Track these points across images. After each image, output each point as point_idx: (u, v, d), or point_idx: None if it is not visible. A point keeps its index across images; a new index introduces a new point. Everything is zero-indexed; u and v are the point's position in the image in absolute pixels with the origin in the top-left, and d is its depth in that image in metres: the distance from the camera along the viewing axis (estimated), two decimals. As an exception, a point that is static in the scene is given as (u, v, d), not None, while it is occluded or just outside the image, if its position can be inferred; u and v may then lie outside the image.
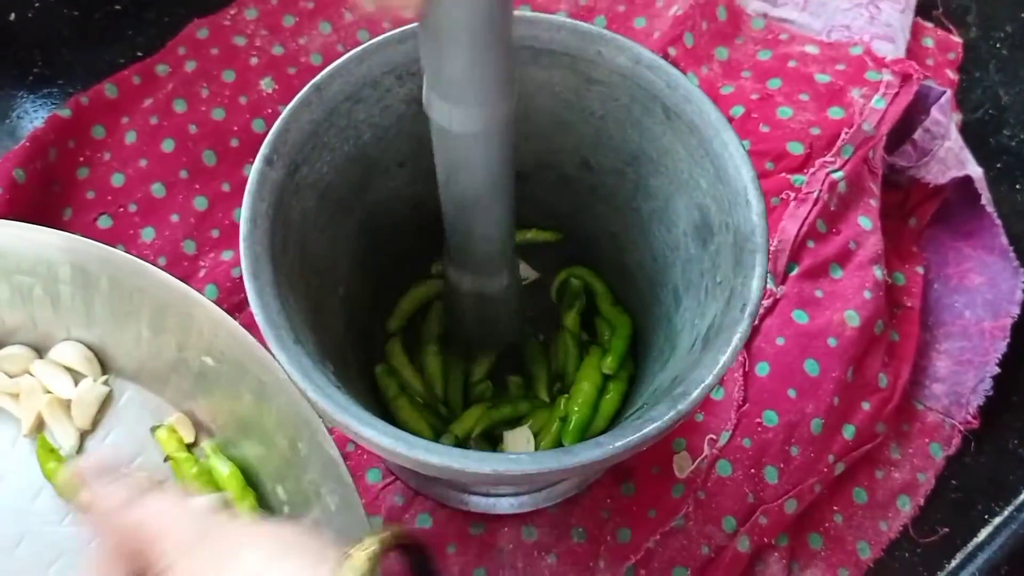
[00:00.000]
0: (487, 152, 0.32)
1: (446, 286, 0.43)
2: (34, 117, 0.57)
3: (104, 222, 0.54)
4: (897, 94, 0.56)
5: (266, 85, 0.58)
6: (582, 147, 0.42)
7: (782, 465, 0.49)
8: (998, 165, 0.59)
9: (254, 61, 0.58)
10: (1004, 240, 0.55)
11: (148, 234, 0.54)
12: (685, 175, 0.38)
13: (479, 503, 0.48)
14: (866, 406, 0.51)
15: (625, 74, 0.38)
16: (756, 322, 0.40)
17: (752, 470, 0.49)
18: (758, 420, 0.50)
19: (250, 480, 0.44)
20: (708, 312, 0.36)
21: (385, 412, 0.46)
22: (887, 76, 0.57)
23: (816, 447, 0.49)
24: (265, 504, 0.44)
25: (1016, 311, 0.53)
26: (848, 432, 0.50)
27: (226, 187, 0.55)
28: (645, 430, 0.31)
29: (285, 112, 0.36)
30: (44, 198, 0.53)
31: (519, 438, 0.45)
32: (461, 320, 0.45)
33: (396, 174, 0.43)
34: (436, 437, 0.45)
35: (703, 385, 0.32)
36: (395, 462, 0.33)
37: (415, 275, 0.50)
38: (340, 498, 0.40)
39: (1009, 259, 0.54)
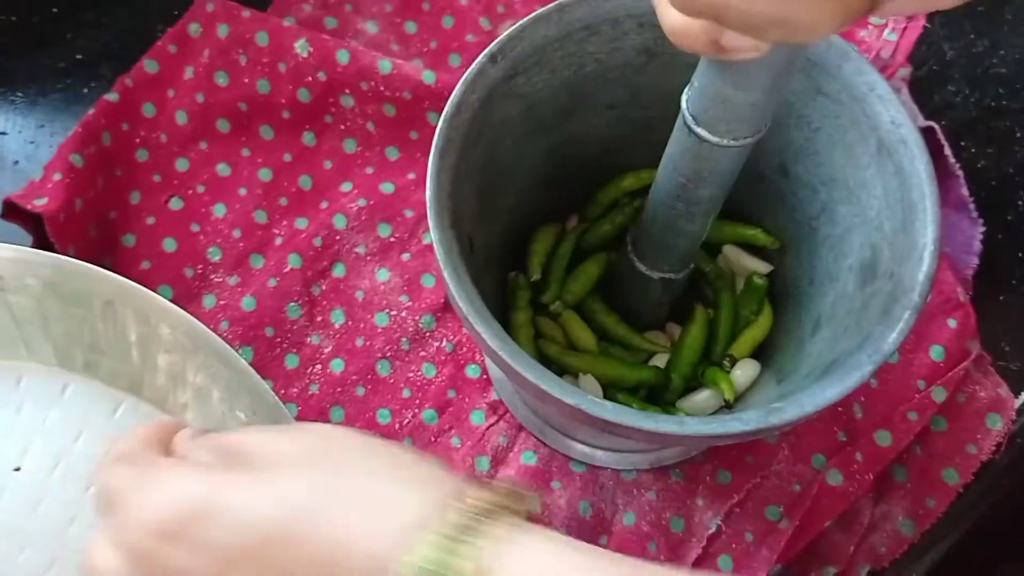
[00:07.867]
0: (739, 161, 0.35)
1: (627, 274, 0.45)
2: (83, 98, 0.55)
3: (175, 203, 0.55)
4: (905, 28, 0.58)
5: (300, 48, 0.55)
6: (785, 151, 0.42)
7: (863, 399, 0.50)
8: (943, 122, 0.54)
9: (287, 21, 0.57)
10: (964, 191, 0.52)
11: (220, 210, 0.55)
12: (873, 213, 0.37)
13: (581, 451, 0.50)
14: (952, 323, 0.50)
15: (856, 96, 0.38)
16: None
17: (839, 408, 0.50)
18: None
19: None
20: (837, 348, 0.36)
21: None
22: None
23: (895, 374, 0.50)
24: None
25: (975, 262, 0.52)
26: (936, 353, 0.50)
27: (287, 157, 0.56)
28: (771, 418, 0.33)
29: (524, 20, 0.38)
30: (109, 183, 0.54)
31: None
32: (639, 301, 0.47)
33: (603, 114, 0.45)
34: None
35: (801, 414, 0.32)
36: (540, 401, 0.35)
37: (572, 213, 0.51)
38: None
39: (967, 210, 0.52)
